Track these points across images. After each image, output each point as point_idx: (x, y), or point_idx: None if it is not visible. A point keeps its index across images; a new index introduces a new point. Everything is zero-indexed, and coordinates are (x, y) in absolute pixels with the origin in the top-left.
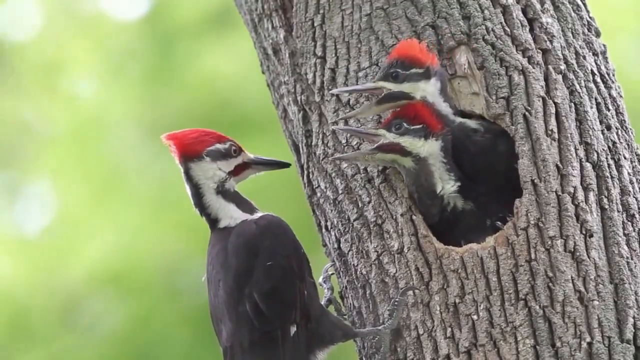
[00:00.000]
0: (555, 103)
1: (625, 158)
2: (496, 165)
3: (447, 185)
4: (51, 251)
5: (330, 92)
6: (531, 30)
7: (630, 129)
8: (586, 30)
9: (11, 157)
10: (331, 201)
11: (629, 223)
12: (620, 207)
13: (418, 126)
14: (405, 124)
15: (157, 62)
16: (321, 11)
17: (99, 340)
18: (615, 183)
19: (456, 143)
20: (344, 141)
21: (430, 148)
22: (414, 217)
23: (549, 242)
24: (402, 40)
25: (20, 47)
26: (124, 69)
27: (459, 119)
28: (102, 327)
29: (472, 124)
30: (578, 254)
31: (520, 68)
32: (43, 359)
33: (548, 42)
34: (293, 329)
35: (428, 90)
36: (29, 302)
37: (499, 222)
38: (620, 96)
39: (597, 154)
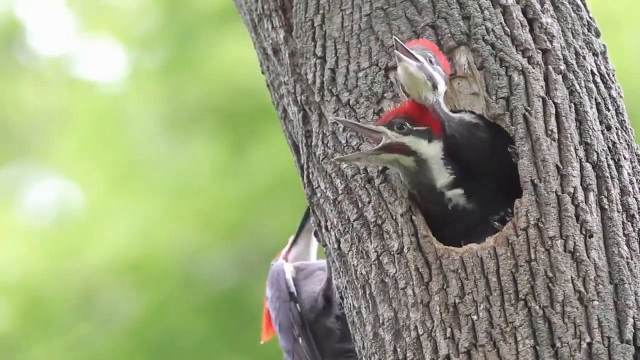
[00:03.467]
0: (555, 103)
1: (625, 158)
2: (497, 161)
3: (442, 180)
4: (68, 240)
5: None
6: (531, 30)
7: (630, 129)
8: (586, 31)
9: (29, 145)
10: (331, 201)
11: (629, 223)
12: (620, 207)
13: (423, 128)
14: (408, 124)
15: (177, 52)
16: (321, 11)
17: (115, 330)
18: (615, 183)
19: (461, 140)
20: (343, 141)
21: (433, 150)
22: (414, 217)
23: (549, 243)
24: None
25: (40, 34)
26: (144, 58)
27: (457, 115)
28: (118, 316)
29: (470, 117)
30: (578, 254)
31: (520, 68)
32: (59, 348)
33: (548, 42)
34: (300, 340)
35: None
36: (46, 291)
37: (497, 223)
38: (620, 96)
39: (597, 154)
